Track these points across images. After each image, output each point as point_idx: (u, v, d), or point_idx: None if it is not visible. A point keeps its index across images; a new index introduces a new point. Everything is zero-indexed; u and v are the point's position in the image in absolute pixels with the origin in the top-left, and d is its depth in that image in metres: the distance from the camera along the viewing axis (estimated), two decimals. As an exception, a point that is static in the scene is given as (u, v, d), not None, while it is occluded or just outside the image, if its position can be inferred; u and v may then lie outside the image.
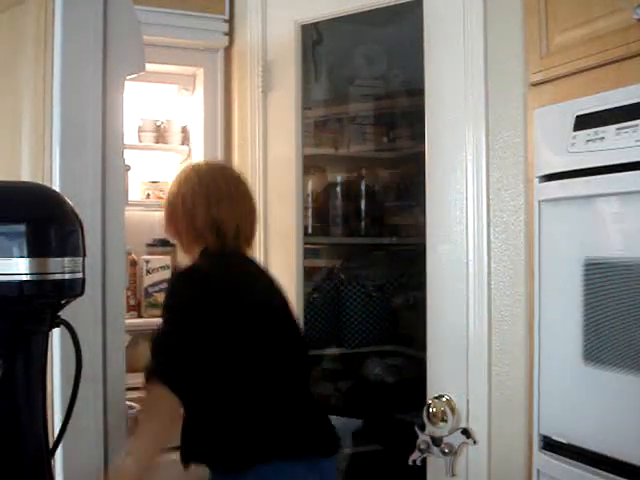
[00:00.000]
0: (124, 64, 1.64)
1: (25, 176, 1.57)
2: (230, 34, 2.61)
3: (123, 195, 1.77)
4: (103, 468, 1.59)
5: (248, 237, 1.92)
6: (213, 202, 1.85)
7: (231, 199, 1.88)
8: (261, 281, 1.93)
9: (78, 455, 1.50)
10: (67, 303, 1.04)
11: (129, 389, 1.85)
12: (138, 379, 2.47)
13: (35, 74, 1.58)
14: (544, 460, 1.55)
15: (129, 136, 2.53)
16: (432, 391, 1.90)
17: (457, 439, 1.80)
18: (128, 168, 2.58)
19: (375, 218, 3.42)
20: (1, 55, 1.70)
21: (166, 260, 2.76)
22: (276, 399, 1.79)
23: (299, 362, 1.92)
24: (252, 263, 1.97)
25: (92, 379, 1.52)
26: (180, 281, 1.84)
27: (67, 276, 0.99)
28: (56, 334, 1.36)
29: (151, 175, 2.87)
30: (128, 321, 2.11)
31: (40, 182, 1.36)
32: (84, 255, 1.03)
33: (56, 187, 1.50)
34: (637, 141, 1.33)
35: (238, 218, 1.88)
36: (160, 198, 2.81)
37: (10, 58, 1.67)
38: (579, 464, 1.45)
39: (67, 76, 1.53)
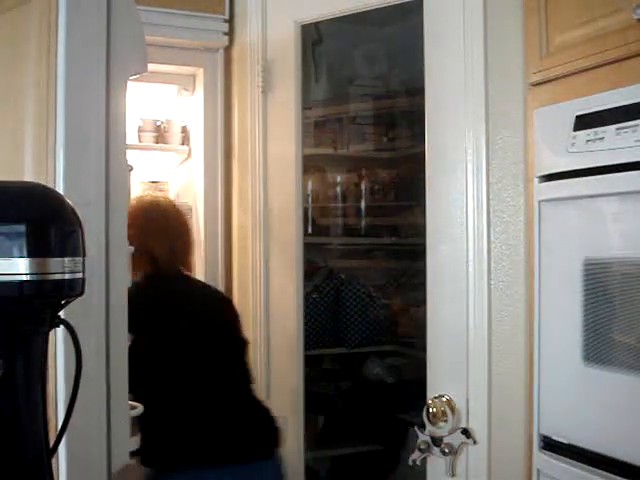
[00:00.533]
0: (127, 65, 1.64)
1: (28, 177, 1.57)
2: (230, 34, 2.61)
3: (126, 195, 1.78)
4: (106, 468, 1.59)
5: (182, 260, 2.27)
6: (147, 234, 2.17)
7: (164, 230, 2.23)
8: (193, 294, 2.25)
9: (81, 455, 1.50)
10: (67, 303, 1.04)
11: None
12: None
13: (38, 75, 1.58)
14: (544, 460, 1.55)
15: (129, 136, 2.52)
16: (432, 391, 1.90)
17: (457, 439, 1.80)
18: (131, 168, 2.57)
19: (375, 218, 3.42)
20: (4, 56, 1.70)
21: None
22: (201, 407, 2.02)
23: (232, 368, 2.16)
24: (185, 279, 2.29)
25: (94, 378, 1.52)
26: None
27: (67, 276, 0.99)
28: (59, 334, 1.36)
29: (151, 175, 2.87)
30: (128, 321, 2.14)
31: (44, 183, 1.36)
32: (84, 255, 1.03)
33: (60, 187, 1.50)
34: (637, 141, 1.33)
35: (171, 245, 2.21)
36: (160, 198, 2.81)
37: (13, 59, 1.67)
38: (579, 464, 1.45)
39: (70, 77, 1.53)
